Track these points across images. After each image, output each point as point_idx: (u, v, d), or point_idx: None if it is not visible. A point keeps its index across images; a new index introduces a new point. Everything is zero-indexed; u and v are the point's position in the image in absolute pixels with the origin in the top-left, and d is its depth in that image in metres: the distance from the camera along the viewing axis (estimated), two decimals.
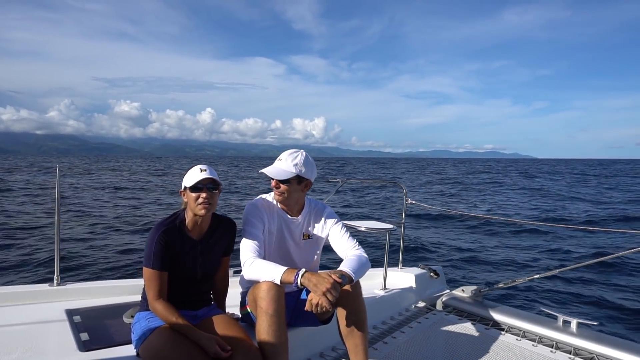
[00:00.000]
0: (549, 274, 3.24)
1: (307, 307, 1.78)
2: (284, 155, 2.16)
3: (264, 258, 2.04)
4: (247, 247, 2.02)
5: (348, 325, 2.00)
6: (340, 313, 2.02)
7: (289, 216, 2.25)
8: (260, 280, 1.89)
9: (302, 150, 2.20)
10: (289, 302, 2.07)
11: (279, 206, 2.24)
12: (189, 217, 1.95)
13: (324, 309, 1.74)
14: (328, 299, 1.73)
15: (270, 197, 2.27)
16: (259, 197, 2.28)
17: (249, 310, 2.11)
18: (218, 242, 2.05)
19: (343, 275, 1.88)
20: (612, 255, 2.92)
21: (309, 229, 2.31)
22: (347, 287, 1.92)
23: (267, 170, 2.12)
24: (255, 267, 1.92)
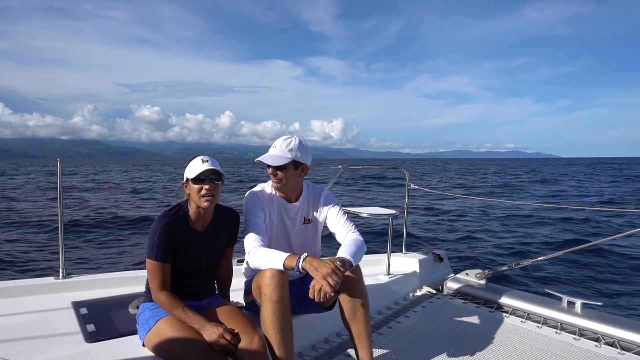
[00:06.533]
0: (552, 255, 3.23)
1: (310, 294, 1.77)
2: (278, 142, 2.14)
3: (268, 246, 2.03)
4: (250, 237, 2.02)
5: (350, 310, 2.00)
6: (343, 299, 2.02)
7: (288, 203, 2.24)
8: (264, 268, 1.89)
9: (295, 135, 2.18)
10: (293, 289, 2.07)
11: (277, 194, 2.24)
12: (192, 209, 1.93)
13: (327, 295, 1.72)
14: (329, 283, 1.72)
15: (268, 185, 2.25)
16: (257, 186, 2.27)
17: (254, 299, 2.12)
18: (222, 233, 2.04)
19: (343, 261, 1.88)
20: (616, 236, 2.91)
21: (309, 213, 2.31)
22: (347, 272, 1.91)
23: (263, 158, 2.10)
24: (259, 255, 1.92)
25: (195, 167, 1.86)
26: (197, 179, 1.85)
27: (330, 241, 2.45)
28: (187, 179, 1.89)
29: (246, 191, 2.24)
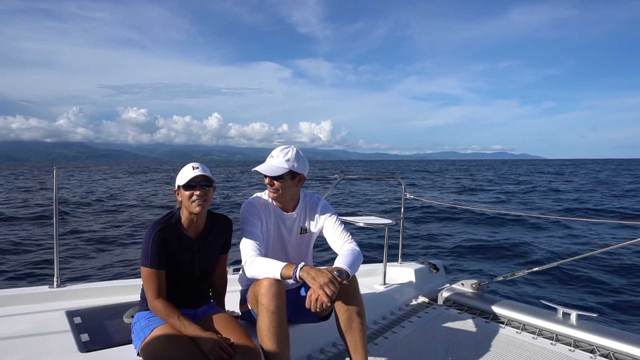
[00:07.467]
0: (548, 266, 3.24)
1: (307, 304, 1.77)
2: (275, 152, 2.15)
3: (264, 256, 2.03)
4: (247, 246, 2.02)
5: (346, 320, 2.00)
6: (339, 308, 2.02)
7: (285, 213, 2.25)
8: (261, 277, 1.89)
9: (292, 145, 2.20)
10: (289, 299, 2.07)
11: (274, 204, 2.24)
12: (184, 216, 1.96)
13: (323, 305, 1.73)
14: (326, 293, 1.73)
15: (265, 195, 2.26)
16: (254, 195, 2.27)
17: (250, 308, 2.11)
18: (215, 239, 2.06)
19: (340, 271, 1.88)
20: (611, 247, 2.93)
21: (305, 223, 2.31)
22: (344, 282, 1.92)
23: (260, 168, 2.12)
24: (256, 265, 1.93)
25: (186, 174, 1.90)
26: (188, 185, 1.89)
27: (319, 251, 2.45)
28: (179, 186, 1.92)
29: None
